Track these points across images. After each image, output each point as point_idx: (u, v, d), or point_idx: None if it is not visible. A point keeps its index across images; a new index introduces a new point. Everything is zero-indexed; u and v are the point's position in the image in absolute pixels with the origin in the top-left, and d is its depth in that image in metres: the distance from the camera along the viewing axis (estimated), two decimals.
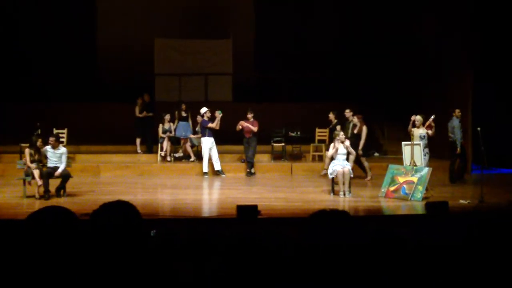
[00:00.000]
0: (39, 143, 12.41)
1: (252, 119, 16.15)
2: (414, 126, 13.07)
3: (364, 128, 14.88)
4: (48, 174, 12.04)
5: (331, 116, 16.80)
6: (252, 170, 16.25)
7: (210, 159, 15.95)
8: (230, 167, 16.57)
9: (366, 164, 15.00)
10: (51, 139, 12.48)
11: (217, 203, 12.37)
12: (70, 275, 2.45)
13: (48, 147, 12.37)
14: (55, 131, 17.31)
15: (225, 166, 16.40)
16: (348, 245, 2.36)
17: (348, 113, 15.43)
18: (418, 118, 12.98)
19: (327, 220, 2.45)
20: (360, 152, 14.60)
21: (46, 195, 11.87)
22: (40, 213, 2.57)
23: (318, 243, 2.36)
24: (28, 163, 12.09)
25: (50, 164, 12.23)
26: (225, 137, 16.51)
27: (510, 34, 15.70)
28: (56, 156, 12.32)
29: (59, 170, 12.14)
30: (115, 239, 2.51)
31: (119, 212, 2.59)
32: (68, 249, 2.45)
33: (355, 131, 14.86)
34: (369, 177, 14.80)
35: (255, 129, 15.98)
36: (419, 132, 12.88)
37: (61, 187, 12.24)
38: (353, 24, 21.06)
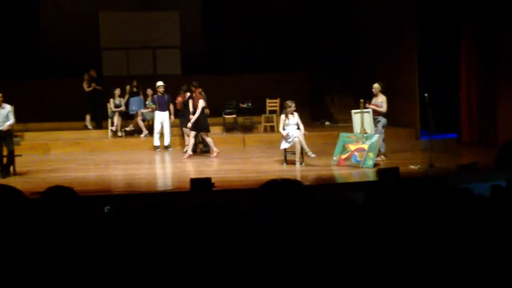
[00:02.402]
0: None
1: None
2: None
3: (201, 102, 14.24)
4: (2, 138, 11.49)
5: None
6: None
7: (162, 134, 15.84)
8: (180, 140, 16.46)
9: (208, 139, 14.45)
10: None
11: (171, 177, 12.32)
12: (21, 255, 2.42)
13: None
14: None
15: (174, 140, 16.29)
16: (300, 214, 2.39)
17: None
18: (375, 86, 12.86)
19: (278, 189, 2.47)
20: (189, 125, 14.26)
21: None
22: None
23: (270, 212, 2.37)
24: None
25: None
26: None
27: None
28: (2, 116, 11.60)
29: (8, 123, 11.54)
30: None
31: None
32: (19, 229, 2.41)
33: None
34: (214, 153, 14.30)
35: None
36: (377, 100, 12.72)
37: (8, 165, 11.73)
38: None
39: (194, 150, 14.47)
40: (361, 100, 12.61)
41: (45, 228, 2.61)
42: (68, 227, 2.70)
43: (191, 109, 14.32)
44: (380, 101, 12.66)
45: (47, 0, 21.24)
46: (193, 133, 14.18)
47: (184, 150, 14.80)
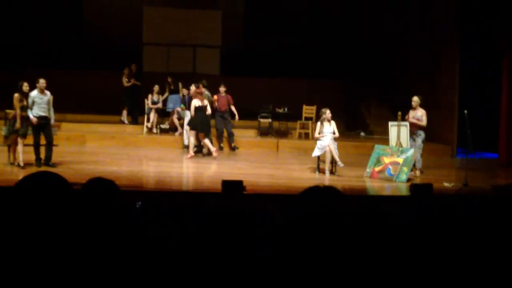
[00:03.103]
0: (25, 87, 11.65)
1: (224, 94, 16.06)
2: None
3: (193, 102, 14.36)
4: (41, 126, 11.63)
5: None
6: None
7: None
8: (215, 142, 16.51)
9: (205, 140, 14.38)
10: (42, 81, 11.72)
11: (202, 177, 12.34)
12: (64, 246, 2.43)
13: (35, 92, 11.68)
14: None
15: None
16: (338, 222, 2.36)
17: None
18: (414, 99, 12.67)
19: (319, 196, 2.44)
20: (187, 127, 14.46)
21: (37, 161, 11.63)
22: (33, 178, 2.51)
23: (308, 218, 2.35)
24: (18, 109, 11.47)
25: (39, 112, 11.60)
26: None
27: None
28: (44, 103, 11.71)
29: (53, 121, 11.86)
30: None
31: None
32: (63, 219, 2.41)
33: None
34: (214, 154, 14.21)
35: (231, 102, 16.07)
36: (416, 114, 12.54)
37: (47, 156, 11.87)
38: (344, 1, 20.91)
39: (200, 151, 14.50)
40: (399, 113, 12.48)
41: (85, 219, 2.62)
42: (108, 219, 2.71)
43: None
44: (420, 115, 12.47)
45: None
46: (192, 133, 14.25)
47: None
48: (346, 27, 20.56)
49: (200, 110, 14.19)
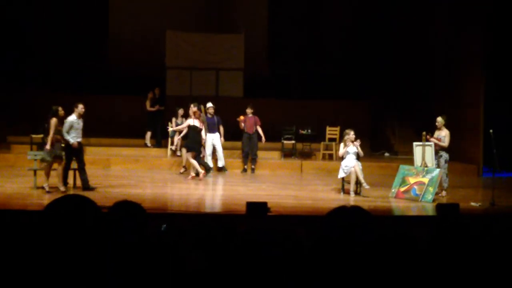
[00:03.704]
0: (60, 111, 11.66)
1: (251, 115, 16.12)
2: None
3: (187, 121, 14.80)
4: (77, 151, 11.64)
5: None
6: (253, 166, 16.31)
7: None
8: (239, 163, 16.55)
9: (193, 161, 14.39)
10: (81, 106, 11.71)
11: (226, 199, 12.32)
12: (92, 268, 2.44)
13: (74, 117, 11.65)
14: None
15: (234, 162, 16.41)
16: (367, 242, 2.34)
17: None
18: (439, 119, 12.53)
19: (347, 216, 2.42)
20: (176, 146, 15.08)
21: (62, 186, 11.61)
22: (63, 201, 2.53)
23: (337, 239, 2.33)
24: (53, 134, 11.41)
25: (77, 137, 11.64)
26: (238, 134, 16.46)
27: None
28: (81, 128, 11.74)
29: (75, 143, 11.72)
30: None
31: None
32: (91, 241, 2.42)
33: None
34: (201, 175, 14.26)
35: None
36: (440, 134, 12.39)
37: (85, 180, 11.86)
38: (366, 21, 20.95)
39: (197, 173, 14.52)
40: (424, 133, 12.39)
41: (111, 241, 2.63)
42: (134, 241, 2.72)
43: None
44: (444, 135, 12.32)
45: (116, 17, 21.78)
46: (189, 154, 14.40)
47: (181, 171, 14.97)
48: (369, 49, 20.56)
49: (194, 129, 14.41)
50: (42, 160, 11.68)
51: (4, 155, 16.44)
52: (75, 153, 11.76)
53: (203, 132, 14.73)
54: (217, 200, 12.62)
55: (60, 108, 11.72)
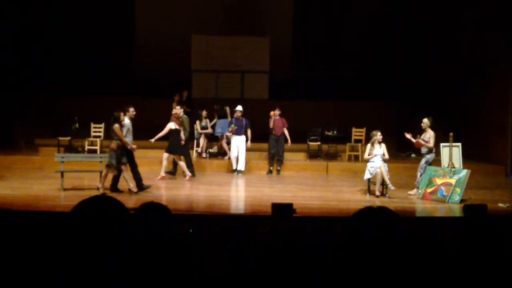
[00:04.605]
0: (122, 117, 11.86)
1: (279, 117, 16.14)
2: None
3: (168, 125, 14.77)
4: (132, 153, 11.92)
5: None
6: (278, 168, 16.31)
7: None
8: (264, 164, 16.57)
9: (181, 162, 14.58)
10: (132, 109, 12.00)
11: (252, 201, 12.33)
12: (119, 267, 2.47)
13: (128, 121, 11.93)
14: (92, 125, 17.54)
15: (259, 163, 16.44)
16: (394, 244, 2.34)
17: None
18: (424, 121, 12.66)
19: (373, 217, 2.42)
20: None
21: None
22: (91, 202, 2.57)
23: (365, 239, 2.33)
24: (123, 139, 11.65)
25: (131, 139, 11.91)
26: (264, 135, 16.47)
27: None
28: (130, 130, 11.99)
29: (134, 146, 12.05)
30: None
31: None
32: (118, 241, 2.45)
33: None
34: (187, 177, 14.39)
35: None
36: (425, 135, 12.54)
37: (139, 179, 12.11)
38: (392, 22, 20.81)
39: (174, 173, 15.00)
40: (451, 134, 12.33)
41: (138, 242, 2.66)
42: (160, 242, 2.75)
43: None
44: (428, 137, 12.47)
45: (143, 20, 21.91)
46: (166, 155, 14.59)
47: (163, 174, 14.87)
48: (395, 49, 20.44)
49: (175, 133, 14.48)
50: (109, 165, 11.84)
51: (32, 157, 16.68)
52: (130, 155, 12.07)
53: (182, 134, 14.72)
54: (243, 201, 12.64)
55: (121, 114, 11.95)
